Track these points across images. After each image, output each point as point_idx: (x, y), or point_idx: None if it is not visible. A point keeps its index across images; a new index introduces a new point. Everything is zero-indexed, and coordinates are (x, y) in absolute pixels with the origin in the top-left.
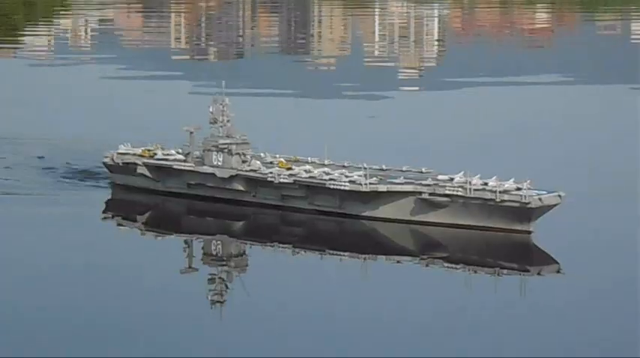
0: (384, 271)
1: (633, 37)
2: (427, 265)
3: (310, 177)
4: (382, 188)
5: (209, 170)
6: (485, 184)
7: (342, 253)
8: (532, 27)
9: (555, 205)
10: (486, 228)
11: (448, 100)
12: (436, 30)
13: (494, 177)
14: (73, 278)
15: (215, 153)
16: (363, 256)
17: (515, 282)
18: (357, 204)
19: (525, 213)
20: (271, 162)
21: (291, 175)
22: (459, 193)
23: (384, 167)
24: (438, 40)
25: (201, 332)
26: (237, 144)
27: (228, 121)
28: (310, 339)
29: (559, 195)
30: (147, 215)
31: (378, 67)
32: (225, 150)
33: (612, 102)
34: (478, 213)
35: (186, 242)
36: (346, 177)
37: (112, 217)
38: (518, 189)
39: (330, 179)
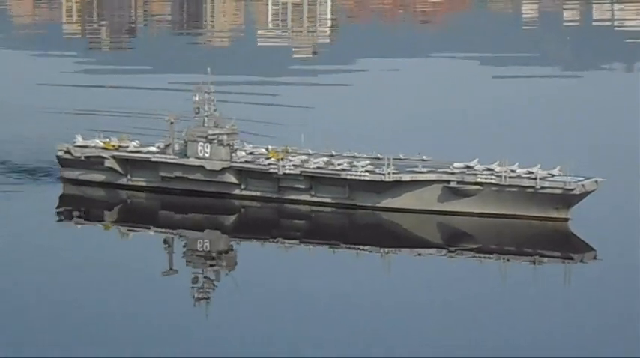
0: (408, 264)
1: (524, 15)
2: (454, 256)
3: (318, 168)
4: (406, 177)
5: (196, 162)
6: (509, 171)
7: (358, 247)
8: (425, 8)
9: (592, 191)
10: (519, 217)
11: (349, 79)
12: (329, 11)
13: (516, 164)
14: (45, 281)
15: (201, 144)
16: (384, 249)
17: (557, 271)
18: (369, 195)
19: (565, 199)
20: (252, 153)
21: (295, 166)
22: (492, 181)
23: (379, 156)
24: (331, 20)
25: (239, 330)
26: (227, 134)
27: (215, 110)
28: (340, 336)
29: (596, 181)
30: (115, 211)
31: (271, 47)
32: (215, 141)
33: (497, 74)
34: (510, 201)
35: (186, 240)
36: (362, 167)
37: (70, 215)
38: (551, 175)
39: (343, 169)
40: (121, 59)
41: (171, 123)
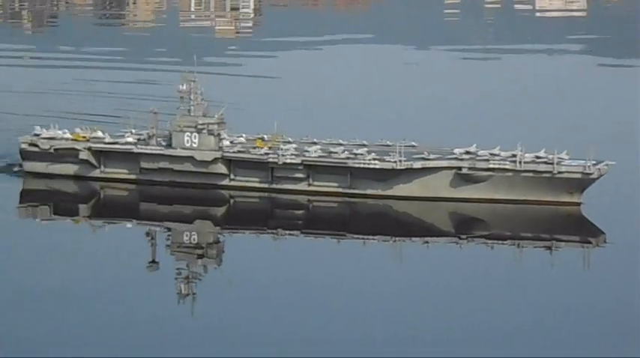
0: (420, 252)
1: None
2: (468, 243)
3: (320, 157)
4: (417, 165)
5: (184, 153)
6: (512, 156)
7: (366, 236)
8: None
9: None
10: (530, 202)
11: (275, 64)
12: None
13: (518, 148)
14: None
15: (188, 134)
16: (393, 238)
17: (575, 256)
18: (372, 183)
19: (581, 184)
20: (232, 142)
21: (296, 155)
22: (507, 166)
23: (365, 142)
24: (254, 8)
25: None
26: (217, 123)
27: (202, 99)
28: (355, 327)
29: (606, 164)
30: (89, 205)
31: (195, 33)
32: (204, 131)
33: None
34: (522, 187)
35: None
36: (368, 154)
37: (37, 209)
38: (562, 159)
39: (347, 158)
40: (43, 42)
41: (155, 113)
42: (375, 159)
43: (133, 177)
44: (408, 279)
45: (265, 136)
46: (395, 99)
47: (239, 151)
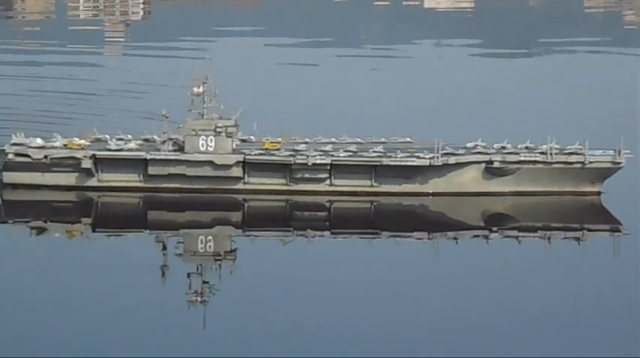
0: (456, 247)
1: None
2: (502, 236)
3: (350, 157)
4: (452, 160)
5: (203, 157)
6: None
7: (398, 233)
8: None
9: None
10: (554, 193)
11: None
12: None
13: (527, 141)
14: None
15: (204, 137)
16: (429, 234)
17: (606, 245)
18: (397, 181)
19: (605, 174)
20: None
21: (324, 156)
22: (537, 159)
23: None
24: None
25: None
26: (235, 126)
27: (215, 101)
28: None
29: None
30: (94, 215)
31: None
32: (223, 134)
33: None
34: (546, 178)
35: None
36: (400, 152)
37: (30, 223)
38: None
39: (379, 156)
40: None
41: (167, 117)
42: (409, 157)
43: (139, 185)
44: (446, 275)
45: (270, 137)
46: (283, 94)
47: (260, 154)
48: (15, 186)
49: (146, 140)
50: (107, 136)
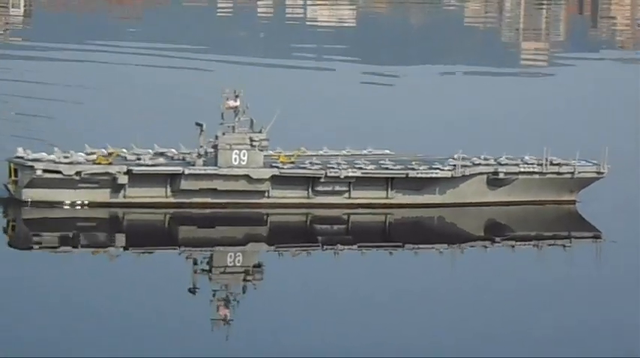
0: (466, 258)
1: (219, 9)
2: (500, 246)
3: (382, 169)
4: (468, 172)
5: (240, 171)
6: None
7: (417, 246)
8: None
9: None
10: (533, 203)
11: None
12: (22, 3)
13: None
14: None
15: (237, 151)
16: (447, 246)
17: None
18: (409, 193)
19: (586, 183)
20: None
21: (357, 169)
22: (535, 169)
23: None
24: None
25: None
26: (267, 139)
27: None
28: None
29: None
30: (125, 232)
31: None
32: (257, 148)
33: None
34: (535, 188)
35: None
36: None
37: (56, 242)
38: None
39: (410, 168)
40: None
41: (201, 131)
42: (431, 169)
43: (166, 200)
44: (465, 285)
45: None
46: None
47: (292, 167)
48: (37, 204)
49: (161, 154)
50: (124, 150)
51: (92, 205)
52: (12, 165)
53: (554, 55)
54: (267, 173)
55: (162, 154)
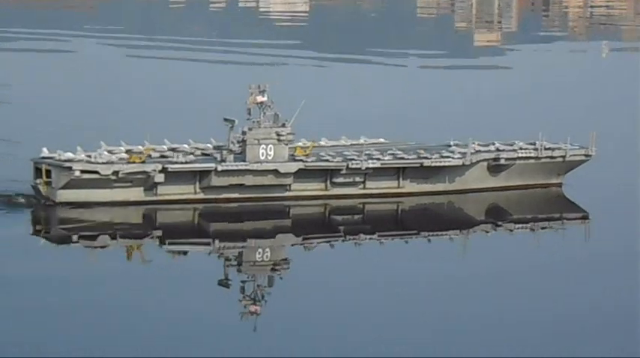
0: (481, 243)
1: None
2: (505, 230)
3: (398, 159)
4: (475, 159)
5: (270, 166)
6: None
7: (430, 233)
8: None
9: None
10: (528, 186)
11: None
12: None
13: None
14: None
15: (264, 146)
16: (452, 233)
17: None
18: (419, 181)
19: (572, 166)
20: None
21: (376, 159)
22: (532, 154)
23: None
24: None
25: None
26: (292, 133)
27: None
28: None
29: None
30: (160, 229)
31: None
32: (283, 142)
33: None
34: (528, 173)
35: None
36: (437, 153)
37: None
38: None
39: (424, 157)
40: None
41: (232, 127)
42: (442, 157)
43: (196, 196)
44: (478, 269)
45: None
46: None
47: (319, 160)
48: (71, 205)
49: (173, 149)
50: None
51: (125, 204)
52: (44, 166)
53: (506, 43)
54: (294, 167)
55: (173, 150)
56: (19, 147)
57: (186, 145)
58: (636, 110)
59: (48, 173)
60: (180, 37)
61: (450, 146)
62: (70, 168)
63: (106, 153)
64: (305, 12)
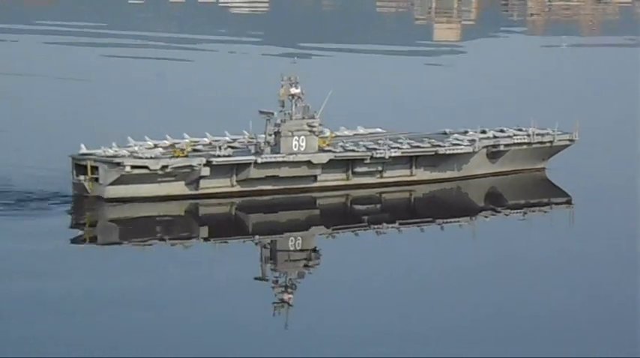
0: (487, 229)
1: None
2: (504, 215)
3: (414, 147)
4: (479, 146)
5: (304, 157)
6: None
7: (443, 220)
8: None
9: None
10: (516, 171)
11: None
12: None
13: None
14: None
15: (296, 138)
16: (462, 219)
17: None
18: (429, 169)
19: (557, 151)
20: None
21: (396, 148)
22: (525, 140)
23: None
24: None
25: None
26: (322, 124)
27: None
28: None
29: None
30: (202, 225)
31: None
32: (315, 133)
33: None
34: (519, 158)
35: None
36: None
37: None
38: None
39: (438, 146)
40: None
41: (268, 119)
42: (454, 145)
43: (234, 189)
44: (489, 255)
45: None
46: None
47: (346, 150)
48: (116, 201)
49: (171, 146)
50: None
51: (168, 199)
52: (89, 163)
53: (466, 37)
54: (325, 157)
55: (172, 146)
56: (39, 144)
57: (227, 137)
58: (596, 98)
59: (93, 169)
60: (140, 32)
61: (446, 134)
62: (119, 164)
63: (147, 147)
64: (265, 7)
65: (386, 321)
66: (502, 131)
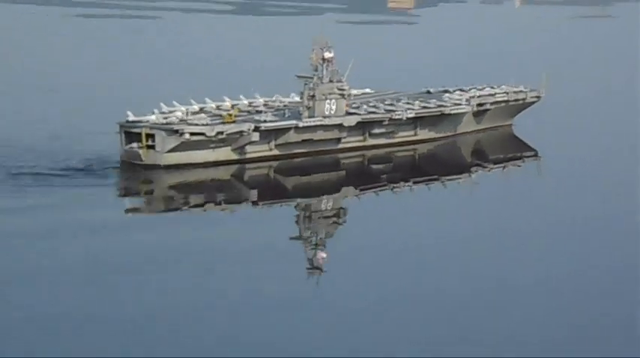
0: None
1: None
2: (487, 172)
3: (424, 108)
4: (473, 104)
5: (337, 121)
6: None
7: (445, 177)
8: None
9: None
10: (490, 129)
11: None
12: None
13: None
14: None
15: (328, 101)
16: (461, 176)
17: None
18: (432, 128)
19: (522, 108)
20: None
21: (411, 109)
22: (505, 98)
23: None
24: None
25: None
26: (350, 87)
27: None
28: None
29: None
30: (256, 188)
31: None
32: (345, 96)
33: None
34: (495, 116)
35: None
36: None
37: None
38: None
39: (441, 105)
40: None
41: (307, 84)
42: (455, 105)
43: (272, 153)
44: (489, 210)
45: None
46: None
47: (370, 112)
48: (172, 167)
49: (201, 109)
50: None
51: (217, 164)
52: (144, 130)
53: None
54: (354, 120)
55: (201, 109)
56: (78, 112)
57: (260, 99)
58: (553, 56)
59: (148, 137)
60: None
61: (429, 92)
62: (177, 131)
63: (193, 112)
64: None
65: (411, 279)
66: (482, 89)
